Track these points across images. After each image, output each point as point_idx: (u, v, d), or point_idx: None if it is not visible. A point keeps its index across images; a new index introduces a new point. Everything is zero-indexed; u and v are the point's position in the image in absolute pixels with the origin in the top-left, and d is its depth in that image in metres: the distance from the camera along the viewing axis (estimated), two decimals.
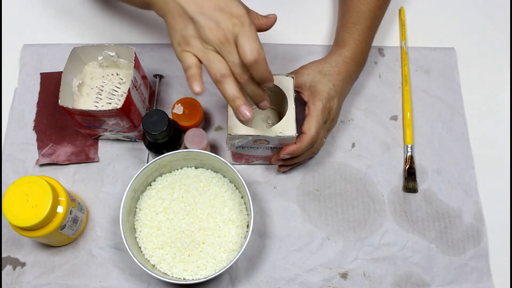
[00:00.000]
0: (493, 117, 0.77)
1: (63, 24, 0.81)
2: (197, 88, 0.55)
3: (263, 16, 0.60)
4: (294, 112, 0.62)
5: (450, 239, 0.69)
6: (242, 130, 0.61)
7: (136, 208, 0.66)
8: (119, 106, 0.62)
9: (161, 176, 0.68)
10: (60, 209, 0.61)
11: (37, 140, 0.72)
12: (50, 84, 0.75)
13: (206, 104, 0.74)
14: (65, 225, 0.62)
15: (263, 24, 0.60)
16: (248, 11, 0.59)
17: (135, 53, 0.65)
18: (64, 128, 0.73)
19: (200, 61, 0.57)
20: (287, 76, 0.64)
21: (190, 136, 0.67)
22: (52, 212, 0.59)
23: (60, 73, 0.64)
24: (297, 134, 0.61)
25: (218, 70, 0.55)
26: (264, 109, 0.58)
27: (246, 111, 0.55)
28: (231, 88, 0.55)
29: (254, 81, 0.56)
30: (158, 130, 0.61)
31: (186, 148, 0.67)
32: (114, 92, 0.68)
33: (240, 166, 0.72)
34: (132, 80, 0.64)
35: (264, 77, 0.55)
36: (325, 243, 0.68)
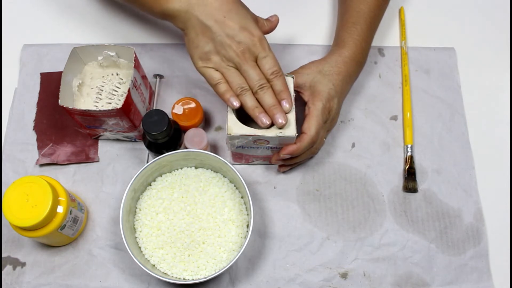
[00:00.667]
0: (493, 117, 0.77)
1: (63, 24, 0.81)
2: (236, 103, 0.60)
3: (267, 20, 0.65)
4: (294, 112, 0.62)
5: (450, 239, 0.69)
6: (242, 130, 0.61)
7: (136, 208, 0.66)
8: (119, 106, 0.62)
9: (161, 176, 0.68)
10: (60, 209, 0.61)
11: (37, 140, 0.72)
12: (50, 84, 0.75)
13: (206, 104, 0.74)
14: (65, 225, 0.62)
15: (268, 29, 0.65)
16: (256, 19, 0.63)
17: (135, 53, 0.65)
18: (64, 128, 0.73)
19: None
20: (287, 76, 0.64)
21: (190, 136, 0.67)
22: (52, 212, 0.59)
23: (60, 73, 0.64)
24: (297, 134, 0.61)
25: (239, 84, 0.61)
26: (281, 127, 0.61)
27: (264, 118, 0.60)
28: (250, 100, 0.61)
29: (270, 94, 0.61)
30: (158, 130, 0.61)
31: (186, 148, 0.67)
32: (114, 92, 0.68)
33: (240, 166, 0.72)
34: (132, 80, 0.64)
35: (282, 88, 0.61)
36: (325, 243, 0.68)
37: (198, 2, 0.60)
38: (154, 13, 0.64)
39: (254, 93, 0.61)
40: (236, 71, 0.61)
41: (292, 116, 0.62)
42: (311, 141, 0.64)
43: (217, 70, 0.61)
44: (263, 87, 0.60)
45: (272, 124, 0.61)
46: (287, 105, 0.61)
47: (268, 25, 0.65)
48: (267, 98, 0.60)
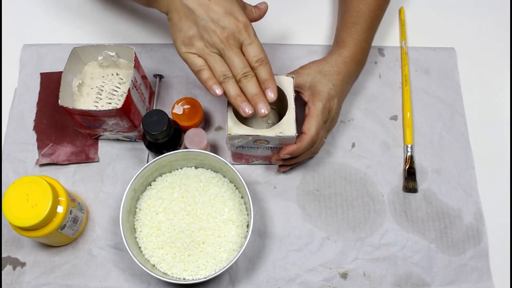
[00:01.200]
0: (493, 117, 0.77)
1: (63, 24, 0.81)
2: (218, 91, 0.58)
3: (255, 7, 0.63)
4: (294, 112, 0.62)
5: (450, 239, 0.69)
6: (242, 130, 0.61)
7: (136, 208, 0.66)
8: (119, 106, 0.62)
9: (161, 176, 0.68)
10: (60, 209, 0.61)
11: (37, 140, 0.72)
12: (50, 84, 0.75)
13: (206, 104, 0.74)
14: (65, 225, 0.62)
15: (256, 16, 0.63)
16: (244, 5, 0.61)
17: (135, 53, 0.65)
18: (64, 128, 0.73)
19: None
20: (287, 76, 0.64)
21: (190, 136, 0.67)
22: (52, 212, 0.59)
23: (60, 73, 0.64)
24: (297, 134, 0.61)
25: (222, 72, 0.58)
26: (263, 116, 0.58)
27: (246, 108, 0.57)
28: (233, 88, 0.58)
29: (253, 83, 0.58)
30: (158, 130, 0.61)
31: (186, 148, 0.67)
32: (114, 92, 0.68)
33: (240, 166, 0.72)
34: (132, 80, 0.64)
35: (265, 78, 0.58)
36: (325, 243, 0.68)
37: None
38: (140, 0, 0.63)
39: (238, 81, 0.58)
40: (219, 57, 0.58)
41: (292, 116, 0.62)
42: (311, 141, 0.64)
43: (200, 56, 0.59)
44: (247, 75, 0.58)
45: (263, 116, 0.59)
46: (272, 95, 0.58)
47: (256, 12, 0.63)
48: (250, 86, 0.58)
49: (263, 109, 0.58)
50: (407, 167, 0.72)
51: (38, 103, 0.74)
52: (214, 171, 0.68)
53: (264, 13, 0.64)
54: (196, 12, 0.58)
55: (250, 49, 0.58)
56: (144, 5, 0.65)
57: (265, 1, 0.64)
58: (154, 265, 0.63)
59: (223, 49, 0.58)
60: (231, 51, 0.58)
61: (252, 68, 0.58)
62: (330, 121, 0.67)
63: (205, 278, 0.60)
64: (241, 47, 0.58)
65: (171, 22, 0.60)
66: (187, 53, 0.59)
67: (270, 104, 0.61)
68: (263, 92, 0.58)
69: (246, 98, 0.58)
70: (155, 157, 0.64)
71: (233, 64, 0.58)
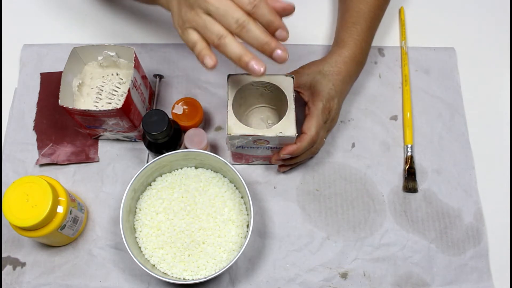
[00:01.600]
0: (493, 117, 0.77)
1: (63, 24, 0.81)
2: (209, 61, 0.51)
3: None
4: (294, 112, 0.62)
5: (450, 239, 0.69)
6: (242, 130, 0.61)
7: (136, 208, 0.66)
8: (119, 106, 0.62)
9: (161, 176, 0.68)
10: (60, 209, 0.61)
11: (37, 140, 0.72)
12: (50, 84, 0.75)
13: (206, 104, 0.74)
14: (65, 225, 0.62)
15: (280, 8, 0.53)
16: None
17: (135, 53, 0.65)
18: (64, 128, 0.73)
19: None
20: (287, 76, 0.64)
21: (190, 136, 0.67)
22: (52, 212, 0.59)
23: (60, 73, 0.64)
24: (297, 134, 0.61)
25: (216, 32, 0.51)
26: (281, 62, 0.50)
27: (255, 66, 0.50)
28: (233, 46, 0.51)
29: (256, 29, 0.50)
30: (158, 130, 0.61)
31: (186, 148, 0.67)
32: (114, 92, 0.68)
33: (240, 166, 0.72)
34: (132, 80, 0.64)
35: (270, 19, 0.50)
36: (325, 243, 0.68)
37: None
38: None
39: (238, 36, 0.50)
40: (212, 19, 0.51)
41: (292, 116, 0.62)
42: (311, 141, 0.64)
43: (194, 30, 0.52)
44: (243, 24, 0.49)
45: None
46: (284, 33, 0.50)
47: (281, 5, 0.53)
48: (253, 34, 0.49)
49: (282, 53, 0.50)
50: (407, 167, 0.72)
51: (38, 103, 0.74)
52: (214, 171, 0.68)
53: (287, 13, 0.54)
54: None
55: None
56: (146, 2, 0.64)
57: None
58: (154, 265, 0.63)
59: (216, 9, 0.50)
60: (218, 2, 0.49)
61: (250, 15, 0.50)
62: (330, 121, 0.67)
63: (205, 278, 0.60)
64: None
65: (171, 13, 0.56)
66: (182, 33, 0.54)
67: (270, 104, 0.61)
68: (271, 28, 0.50)
69: (253, 55, 0.50)
70: (155, 157, 0.64)
71: (224, 17, 0.49)
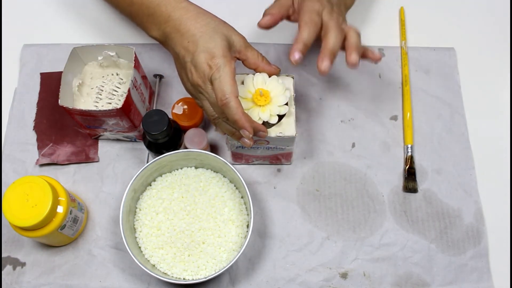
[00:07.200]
0: (493, 117, 0.77)
1: (63, 24, 0.81)
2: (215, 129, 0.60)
3: (268, 64, 0.61)
4: (294, 112, 0.62)
5: (450, 239, 0.69)
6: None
7: (136, 208, 0.66)
8: (119, 106, 0.62)
9: (161, 176, 0.68)
10: (60, 209, 0.61)
11: (37, 140, 0.72)
12: (50, 84, 0.75)
13: None
14: (65, 225, 0.62)
15: (266, 69, 0.61)
16: (246, 46, 0.60)
17: (135, 53, 0.65)
18: (64, 128, 0.73)
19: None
20: (287, 76, 0.64)
21: (190, 136, 0.67)
22: (52, 212, 0.59)
23: (60, 73, 0.64)
24: (297, 134, 0.61)
25: (209, 112, 0.59)
26: (248, 147, 0.59)
27: (246, 140, 0.58)
28: (224, 126, 0.59)
29: (224, 125, 0.59)
30: (158, 130, 0.61)
31: (186, 148, 0.67)
32: (114, 92, 0.68)
33: (240, 166, 0.72)
34: (132, 80, 0.64)
35: (233, 120, 0.55)
36: (325, 243, 0.68)
37: (173, 30, 0.59)
38: (152, 36, 0.64)
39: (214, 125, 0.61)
40: (206, 102, 0.59)
41: (292, 116, 0.62)
42: (339, 33, 0.59)
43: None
44: (217, 120, 0.59)
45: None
46: (247, 141, 0.57)
47: (267, 68, 0.61)
48: (225, 126, 0.59)
49: (248, 142, 0.57)
50: (407, 167, 0.72)
51: (38, 103, 0.74)
52: (214, 171, 0.68)
53: (270, 72, 0.62)
54: (180, 55, 0.58)
55: (216, 86, 0.55)
56: (158, 41, 0.65)
57: (279, 67, 0.62)
58: (154, 265, 0.64)
59: (199, 88, 0.58)
60: (204, 89, 0.57)
61: (219, 104, 0.55)
62: (334, 6, 0.62)
63: (205, 278, 0.60)
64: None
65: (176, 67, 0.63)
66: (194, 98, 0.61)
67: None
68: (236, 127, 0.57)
69: (242, 131, 0.56)
70: (155, 157, 0.64)
71: (209, 101, 0.58)
